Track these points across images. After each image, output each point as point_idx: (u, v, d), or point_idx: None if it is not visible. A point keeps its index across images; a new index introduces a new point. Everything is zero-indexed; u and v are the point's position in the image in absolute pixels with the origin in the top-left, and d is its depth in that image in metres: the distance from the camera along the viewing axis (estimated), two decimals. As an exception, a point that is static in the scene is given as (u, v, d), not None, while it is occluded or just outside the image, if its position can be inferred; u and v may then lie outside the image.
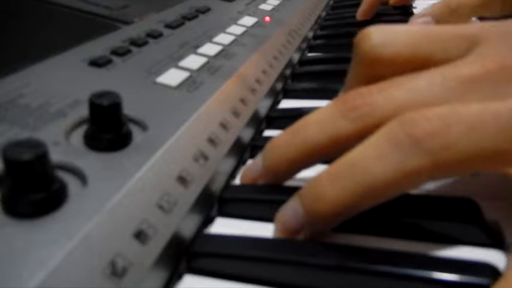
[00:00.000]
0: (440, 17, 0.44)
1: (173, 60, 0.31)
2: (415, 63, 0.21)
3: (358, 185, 0.18)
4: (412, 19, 0.47)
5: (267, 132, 0.32)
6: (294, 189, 0.24)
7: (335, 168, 0.19)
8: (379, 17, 0.54)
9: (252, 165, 0.24)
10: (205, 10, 0.43)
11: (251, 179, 0.24)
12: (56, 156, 0.19)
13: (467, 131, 0.17)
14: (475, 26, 0.22)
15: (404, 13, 0.55)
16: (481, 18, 0.45)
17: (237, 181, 0.26)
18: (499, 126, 0.17)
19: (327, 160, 0.22)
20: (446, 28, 0.22)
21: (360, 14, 0.54)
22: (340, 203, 0.18)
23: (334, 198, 0.18)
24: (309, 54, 0.48)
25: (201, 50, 0.34)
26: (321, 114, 0.21)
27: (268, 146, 0.23)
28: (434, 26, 0.23)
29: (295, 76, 0.41)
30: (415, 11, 0.58)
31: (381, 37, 0.22)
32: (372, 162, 0.18)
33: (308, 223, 0.19)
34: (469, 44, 0.21)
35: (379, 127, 0.18)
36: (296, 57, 0.44)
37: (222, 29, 0.39)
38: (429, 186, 0.23)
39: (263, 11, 0.48)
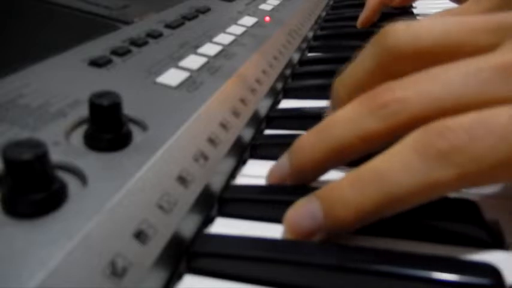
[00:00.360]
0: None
1: (173, 60, 0.31)
2: (443, 55, 0.20)
3: (382, 194, 0.18)
4: None
5: (267, 132, 0.32)
6: (295, 189, 0.24)
7: (359, 174, 0.18)
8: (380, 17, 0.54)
9: (279, 165, 0.24)
10: (205, 10, 0.43)
11: (278, 178, 0.24)
12: (56, 156, 0.19)
13: (495, 142, 0.16)
14: (506, 15, 0.21)
15: (404, 13, 0.55)
16: None
17: (237, 181, 0.26)
18: None
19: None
20: (474, 18, 0.21)
21: (362, 21, 0.52)
22: (363, 210, 0.18)
23: (357, 204, 0.18)
24: (309, 54, 0.48)
25: (201, 50, 0.34)
26: (348, 111, 0.21)
27: (295, 146, 0.23)
28: (462, 17, 0.21)
29: (295, 76, 0.41)
30: (415, 11, 0.58)
31: (407, 31, 0.21)
32: (397, 173, 0.17)
33: (326, 227, 0.19)
34: (502, 34, 0.20)
35: (411, 126, 0.18)
36: (296, 57, 0.44)
37: (222, 29, 0.39)
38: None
39: (263, 11, 0.48)
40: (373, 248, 0.20)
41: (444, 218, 0.20)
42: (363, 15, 0.52)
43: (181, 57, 0.32)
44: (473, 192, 0.22)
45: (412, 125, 0.18)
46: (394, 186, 0.17)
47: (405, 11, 0.56)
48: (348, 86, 0.24)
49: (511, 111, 0.17)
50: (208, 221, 0.23)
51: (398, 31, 0.21)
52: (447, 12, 0.36)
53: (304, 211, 0.20)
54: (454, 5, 0.50)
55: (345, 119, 0.21)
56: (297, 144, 0.23)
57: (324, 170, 0.22)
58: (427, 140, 0.17)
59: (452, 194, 0.22)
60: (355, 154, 0.21)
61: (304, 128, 0.26)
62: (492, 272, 0.17)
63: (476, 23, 0.21)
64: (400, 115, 0.19)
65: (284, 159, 0.23)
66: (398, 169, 0.17)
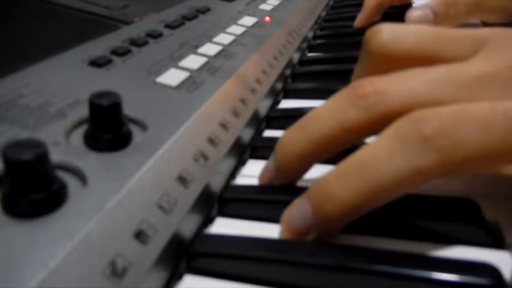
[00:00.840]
0: (438, 12, 0.43)
1: (173, 60, 0.31)
2: (423, 61, 0.21)
3: (367, 185, 0.18)
4: (411, 10, 0.46)
5: (267, 132, 0.32)
6: (295, 189, 0.24)
7: (343, 168, 0.18)
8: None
9: (266, 166, 0.24)
10: (205, 10, 0.43)
11: (267, 179, 0.24)
12: (56, 156, 0.19)
13: (477, 130, 0.17)
14: (483, 30, 0.22)
15: (404, 13, 0.55)
16: (486, 25, 0.45)
17: (237, 181, 0.26)
18: (507, 125, 0.17)
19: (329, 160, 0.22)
20: (455, 30, 0.22)
21: (359, 22, 0.52)
22: (350, 204, 0.18)
23: (343, 198, 0.18)
24: (309, 54, 0.48)
25: (201, 50, 0.34)
26: (329, 105, 0.21)
27: (278, 144, 0.23)
28: (444, 28, 0.23)
29: (295, 76, 0.41)
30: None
31: (391, 34, 0.22)
32: (381, 162, 0.17)
33: (317, 224, 0.19)
34: (476, 45, 0.21)
35: (391, 118, 0.18)
36: (296, 57, 0.44)
37: (222, 29, 0.39)
38: (429, 186, 0.23)
39: (263, 11, 0.48)
40: (373, 247, 0.20)
41: (444, 218, 0.20)
42: (360, 16, 0.52)
43: (181, 57, 0.32)
44: (473, 192, 0.22)
45: (392, 117, 0.18)
46: (379, 176, 0.17)
47: (405, 11, 0.56)
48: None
49: (492, 105, 0.17)
50: (208, 221, 0.23)
51: (381, 33, 0.23)
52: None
53: (295, 211, 0.20)
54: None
55: (326, 112, 0.21)
56: (279, 141, 0.23)
57: (307, 165, 0.22)
58: (410, 127, 0.17)
59: (452, 194, 0.22)
60: (336, 147, 0.21)
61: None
62: (492, 272, 0.17)
63: (454, 34, 0.22)
64: (380, 106, 0.19)
65: (270, 159, 0.24)
66: (382, 158, 0.17)
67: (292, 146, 0.22)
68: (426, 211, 0.21)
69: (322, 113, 0.21)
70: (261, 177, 0.24)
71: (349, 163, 0.18)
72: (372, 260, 0.18)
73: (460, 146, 0.17)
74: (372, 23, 0.51)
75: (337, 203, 0.18)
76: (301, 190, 0.24)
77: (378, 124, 0.19)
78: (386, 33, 0.22)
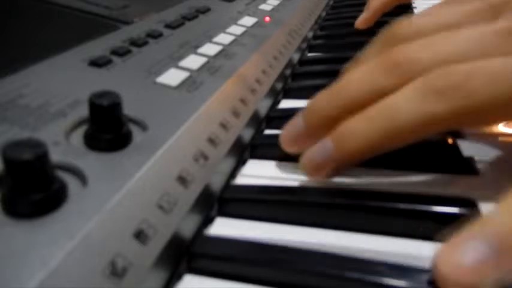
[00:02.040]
0: None
1: (173, 60, 0.31)
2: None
3: (387, 125, 0.20)
4: None
5: (267, 132, 0.32)
6: (294, 189, 0.24)
7: (368, 111, 0.21)
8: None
9: (292, 124, 0.25)
10: (205, 10, 0.43)
11: (292, 137, 0.25)
12: (56, 156, 0.19)
13: (486, 82, 0.18)
14: None
15: (404, 13, 0.55)
16: None
17: (237, 181, 0.26)
18: None
19: None
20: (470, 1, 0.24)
21: (361, 22, 0.51)
22: (371, 140, 0.20)
23: (366, 135, 0.20)
24: (309, 54, 0.48)
25: (201, 50, 0.34)
26: (363, 72, 0.22)
27: (310, 105, 0.24)
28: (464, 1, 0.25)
29: (295, 76, 0.41)
30: (415, 11, 0.58)
31: (411, 24, 0.24)
32: (400, 108, 0.20)
33: (337, 158, 0.22)
34: (493, 11, 0.23)
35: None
36: (296, 57, 0.44)
37: (222, 29, 0.39)
38: (429, 186, 0.23)
39: (263, 11, 0.48)
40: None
41: (444, 218, 0.20)
42: (363, 17, 0.51)
43: (181, 57, 0.32)
44: (473, 192, 0.22)
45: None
46: (397, 118, 0.20)
47: (405, 11, 0.56)
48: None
49: (505, 60, 0.19)
50: (208, 221, 0.23)
51: (402, 24, 0.25)
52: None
53: (317, 147, 0.22)
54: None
55: (360, 77, 0.22)
56: (312, 103, 0.24)
57: (335, 126, 0.23)
58: (428, 80, 0.20)
59: (452, 194, 0.22)
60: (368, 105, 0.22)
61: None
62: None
63: (472, 5, 0.24)
64: (411, 73, 0.21)
65: (299, 118, 0.24)
66: (401, 104, 0.20)
67: (324, 107, 0.23)
68: (426, 211, 0.21)
69: (355, 79, 0.23)
70: (285, 135, 0.25)
71: (373, 108, 0.21)
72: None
73: (469, 96, 0.19)
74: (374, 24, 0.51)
75: (359, 139, 0.21)
76: (301, 190, 0.24)
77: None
78: (407, 24, 0.24)
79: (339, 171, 0.23)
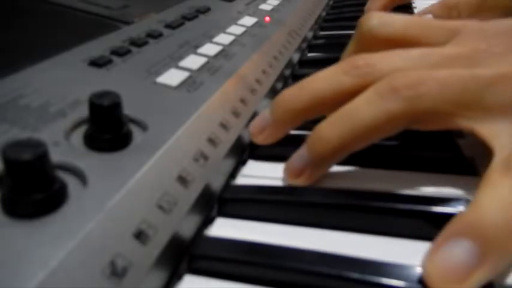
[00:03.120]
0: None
1: (173, 60, 0.31)
2: (405, 44, 0.25)
3: (349, 127, 0.22)
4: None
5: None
6: (294, 190, 0.24)
7: (334, 115, 0.23)
8: None
9: (260, 116, 0.27)
10: (205, 10, 0.43)
11: (259, 128, 0.27)
12: (56, 156, 0.19)
13: (436, 86, 0.21)
14: (458, 22, 0.26)
15: (404, 13, 0.55)
16: None
17: (237, 181, 0.26)
18: (463, 85, 0.21)
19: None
20: (434, 20, 0.27)
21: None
22: (336, 143, 0.22)
23: (330, 139, 0.22)
24: (309, 54, 0.48)
25: (201, 50, 0.34)
26: (327, 72, 0.25)
27: (277, 98, 0.26)
28: (425, 18, 0.29)
29: (295, 76, 0.41)
30: (415, 11, 0.58)
31: (379, 20, 0.27)
32: (360, 109, 0.22)
33: (310, 163, 0.23)
34: (450, 34, 0.25)
35: (373, 82, 0.23)
36: (296, 57, 0.44)
37: (222, 29, 0.39)
38: (429, 186, 0.23)
39: (263, 11, 0.48)
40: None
41: (444, 218, 0.20)
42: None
43: (181, 57, 0.32)
44: (473, 192, 0.22)
45: (376, 80, 0.23)
46: (358, 119, 0.22)
47: (405, 11, 0.56)
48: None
49: (452, 70, 0.22)
50: (208, 221, 0.23)
51: (372, 19, 0.28)
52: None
53: (295, 155, 0.24)
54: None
55: (323, 76, 0.25)
56: (279, 97, 0.26)
57: (301, 120, 0.26)
58: (385, 83, 0.22)
59: (452, 195, 0.22)
60: (330, 107, 0.24)
61: (303, 128, 0.26)
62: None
63: (432, 24, 0.27)
64: (368, 75, 0.23)
65: (266, 111, 0.27)
66: (361, 107, 0.22)
67: (290, 101, 0.25)
68: (426, 211, 0.21)
69: (320, 77, 0.25)
70: (253, 125, 0.27)
71: (337, 112, 0.23)
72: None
73: (422, 97, 0.21)
74: None
75: (325, 142, 0.23)
76: (301, 190, 0.24)
77: (364, 89, 0.23)
78: (376, 19, 0.27)
79: (319, 175, 0.24)
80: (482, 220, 0.17)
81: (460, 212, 0.18)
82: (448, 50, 0.24)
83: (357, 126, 0.22)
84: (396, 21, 0.27)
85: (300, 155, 0.24)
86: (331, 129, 0.23)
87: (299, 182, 0.24)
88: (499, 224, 0.16)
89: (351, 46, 0.30)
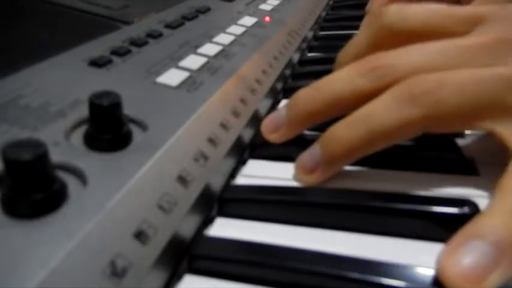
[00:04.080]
0: None
1: (173, 60, 0.31)
2: (427, 37, 0.24)
3: (366, 130, 0.22)
4: None
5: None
6: (294, 189, 0.24)
7: (352, 117, 0.22)
8: None
9: (275, 115, 0.27)
10: (205, 10, 0.43)
11: (273, 127, 0.27)
12: (56, 156, 0.19)
13: (456, 91, 0.20)
14: (484, 7, 0.25)
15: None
16: None
17: (237, 181, 0.26)
18: (481, 89, 0.20)
19: None
20: (457, 8, 0.25)
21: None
22: (351, 144, 0.22)
23: (347, 139, 0.22)
24: (309, 54, 0.48)
25: (201, 50, 0.34)
26: (343, 73, 0.24)
27: (293, 99, 0.26)
28: (447, 6, 0.26)
29: (295, 76, 0.41)
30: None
31: (399, 13, 0.26)
32: (378, 113, 0.22)
33: (323, 162, 0.23)
34: (475, 22, 0.24)
35: (391, 85, 0.22)
36: (296, 57, 0.44)
37: (222, 29, 0.39)
38: (429, 186, 0.23)
39: (263, 11, 0.48)
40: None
41: (443, 219, 0.20)
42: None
43: (181, 57, 0.32)
44: (473, 192, 0.22)
45: (395, 83, 0.22)
46: (375, 123, 0.22)
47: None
48: (349, 56, 0.28)
49: (472, 71, 0.21)
50: (208, 221, 0.23)
51: (391, 13, 0.26)
52: None
53: (307, 152, 0.24)
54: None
55: (340, 78, 0.24)
56: (295, 97, 0.26)
57: (316, 121, 0.25)
58: (404, 88, 0.21)
59: (452, 195, 0.22)
60: (344, 109, 0.24)
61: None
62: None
63: (454, 13, 0.25)
64: (386, 77, 0.23)
65: (282, 109, 0.26)
66: (379, 111, 0.22)
67: (306, 102, 0.25)
68: (425, 211, 0.21)
69: (336, 78, 0.24)
70: (267, 124, 0.27)
71: (354, 115, 0.22)
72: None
73: (440, 103, 0.21)
74: None
75: (341, 143, 0.22)
76: (301, 190, 0.24)
77: (382, 91, 0.22)
78: (395, 13, 0.26)
79: (332, 174, 0.24)
80: (498, 225, 0.17)
81: (477, 215, 0.18)
82: (470, 41, 0.23)
83: (373, 130, 0.22)
84: (417, 14, 0.26)
85: (312, 153, 0.24)
86: (347, 130, 0.22)
87: (310, 179, 0.24)
88: None
89: (365, 39, 0.28)
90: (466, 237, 0.17)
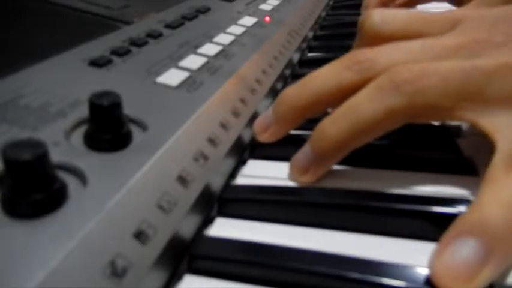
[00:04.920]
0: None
1: (173, 60, 0.31)
2: (408, 39, 0.25)
3: (350, 123, 0.22)
4: None
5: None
6: (295, 189, 0.24)
7: (337, 111, 0.23)
8: None
9: (264, 115, 0.27)
10: (205, 10, 0.43)
11: (263, 127, 0.27)
12: (56, 156, 0.19)
13: (438, 80, 0.21)
14: (459, 10, 0.26)
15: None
16: None
17: (237, 181, 0.26)
18: (465, 77, 0.21)
19: None
20: (435, 12, 0.27)
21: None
22: (338, 139, 0.22)
23: (333, 135, 0.22)
24: (309, 54, 0.48)
25: (201, 50, 0.34)
26: (328, 68, 0.25)
27: (279, 97, 0.26)
28: (425, 12, 0.28)
29: (295, 76, 0.41)
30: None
31: (381, 17, 0.27)
32: (361, 105, 0.22)
33: (314, 159, 0.23)
34: (451, 24, 0.25)
35: (375, 77, 0.22)
36: (296, 57, 0.44)
37: (222, 29, 0.39)
38: (429, 186, 0.23)
39: (263, 11, 0.48)
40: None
41: (443, 219, 0.20)
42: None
43: (181, 57, 0.32)
44: (473, 192, 0.22)
45: (378, 75, 0.22)
46: (359, 116, 0.22)
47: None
48: None
49: (454, 62, 0.21)
50: (208, 221, 0.23)
51: (373, 17, 0.27)
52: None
53: (300, 152, 0.24)
54: (453, 7, 0.49)
55: (325, 72, 0.25)
56: (281, 94, 0.26)
57: (303, 117, 0.26)
58: (386, 78, 0.22)
59: (452, 195, 0.22)
60: (330, 103, 0.24)
61: (304, 128, 0.26)
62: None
63: (433, 17, 0.26)
64: (369, 70, 0.23)
65: (269, 109, 0.27)
66: (362, 102, 0.22)
67: (292, 98, 0.25)
68: (424, 211, 0.21)
69: (321, 74, 0.25)
70: (257, 124, 0.27)
71: (339, 109, 0.23)
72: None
73: (423, 92, 0.21)
74: None
75: (329, 138, 0.23)
76: (301, 190, 0.24)
77: (366, 84, 0.22)
78: (377, 17, 0.27)
79: (325, 170, 0.24)
80: (486, 219, 0.17)
81: (464, 211, 0.18)
82: (449, 40, 0.24)
83: (358, 122, 0.22)
84: (397, 17, 0.27)
85: (304, 152, 0.24)
86: (333, 126, 0.22)
87: (305, 179, 0.24)
88: (503, 223, 0.17)
89: (355, 46, 0.30)
90: (454, 234, 0.17)
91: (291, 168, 0.25)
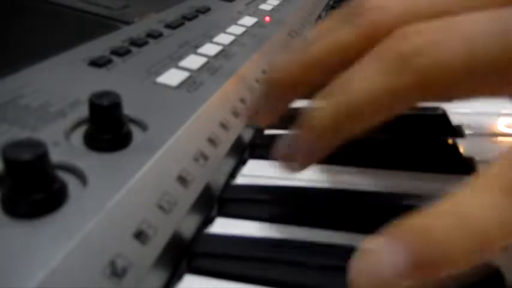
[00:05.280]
0: None
1: (173, 60, 0.31)
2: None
3: (340, 102, 0.17)
4: None
5: (267, 132, 0.32)
6: (294, 189, 0.24)
7: (327, 87, 0.18)
8: None
9: (253, 99, 0.23)
10: (205, 10, 0.43)
11: (255, 107, 0.23)
12: (56, 156, 0.19)
13: (461, 44, 0.15)
14: None
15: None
16: None
17: (237, 181, 0.26)
18: (503, 37, 0.14)
19: None
20: None
21: None
22: (328, 120, 0.17)
23: (322, 115, 0.18)
24: (309, 54, 0.48)
25: (201, 50, 0.34)
26: (326, 22, 0.20)
27: (270, 65, 0.22)
28: None
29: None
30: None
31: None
32: (355, 81, 0.17)
33: (312, 144, 0.19)
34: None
35: (383, 34, 0.17)
36: (296, 57, 0.44)
37: (222, 29, 0.39)
38: (429, 186, 0.23)
39: (263, 11, 0.48)
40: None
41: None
42: None
43: (181, 57, 0.32)
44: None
45: (388, 32, 0.17)
46: (351, 95, 0.17)
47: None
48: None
49: (492, 12, 0.15)
50: (208, 221, 0.23)
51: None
52: None
53: (291, 136, 0.20)
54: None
55: (322, 30, 0.20)
56: (271, 63, 0.22)
57: (302, 86, 0.21)
58: (390, 44, 0.16)
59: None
60: (331, 67, 0.19)
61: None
62: None
63: None
64: (376, 24, 0.18)
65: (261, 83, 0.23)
66: (357, 77, 0.17)
67: (287, 65, 0.20)
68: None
69: (318, 32, 0.20)
70: (250, 105, 0.24)
71: (333, 83, 0.18)
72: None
73: (439, 65, 0.15)
74: None
75: (318, 119, 0.18)
76: (301, 190, 0.24)
77: (372, 40, 0.17)
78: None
79: (315, 159, 0.20)
80: (419, 229, 0.14)
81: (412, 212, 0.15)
82: None
83: (348, 101, 0.17)
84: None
85: (295, 135, 0.19)
86: (322, 103, 0.18)
87: (293, 169, 0.20)
88: (449, 237, 0.13)
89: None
90: (386, 235, 0.15)
91: (277, 153, 0.20)
